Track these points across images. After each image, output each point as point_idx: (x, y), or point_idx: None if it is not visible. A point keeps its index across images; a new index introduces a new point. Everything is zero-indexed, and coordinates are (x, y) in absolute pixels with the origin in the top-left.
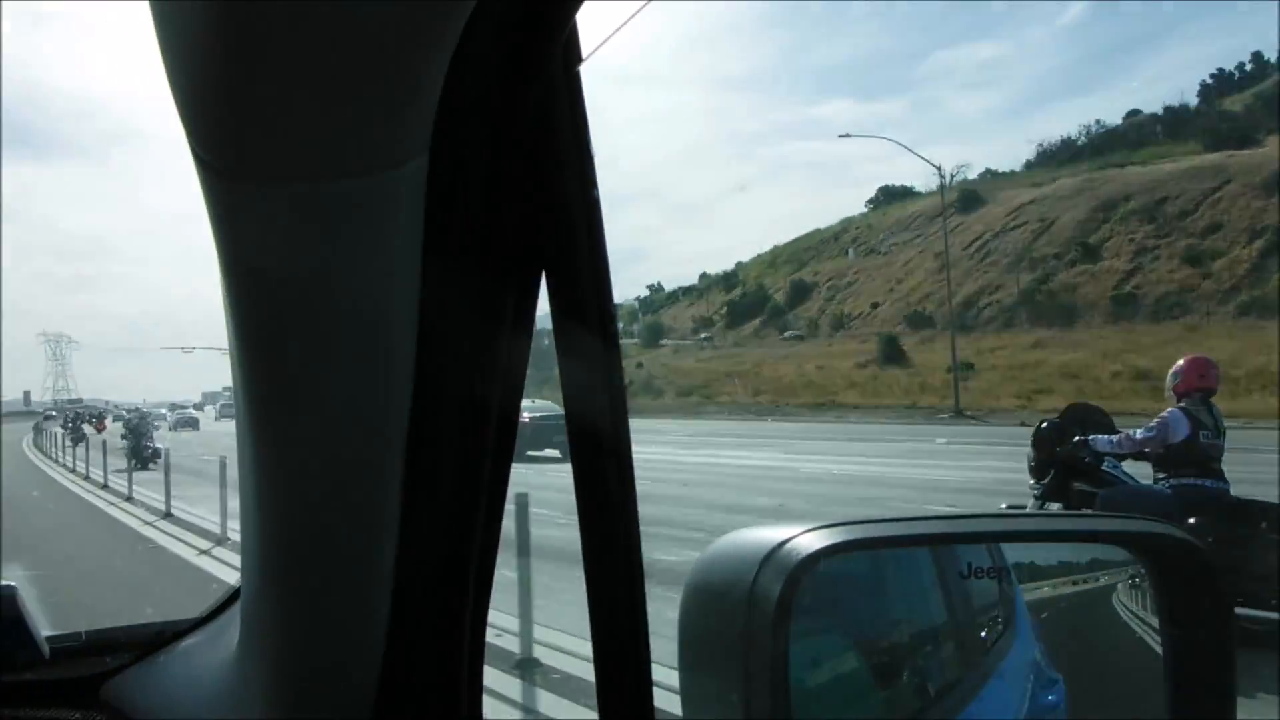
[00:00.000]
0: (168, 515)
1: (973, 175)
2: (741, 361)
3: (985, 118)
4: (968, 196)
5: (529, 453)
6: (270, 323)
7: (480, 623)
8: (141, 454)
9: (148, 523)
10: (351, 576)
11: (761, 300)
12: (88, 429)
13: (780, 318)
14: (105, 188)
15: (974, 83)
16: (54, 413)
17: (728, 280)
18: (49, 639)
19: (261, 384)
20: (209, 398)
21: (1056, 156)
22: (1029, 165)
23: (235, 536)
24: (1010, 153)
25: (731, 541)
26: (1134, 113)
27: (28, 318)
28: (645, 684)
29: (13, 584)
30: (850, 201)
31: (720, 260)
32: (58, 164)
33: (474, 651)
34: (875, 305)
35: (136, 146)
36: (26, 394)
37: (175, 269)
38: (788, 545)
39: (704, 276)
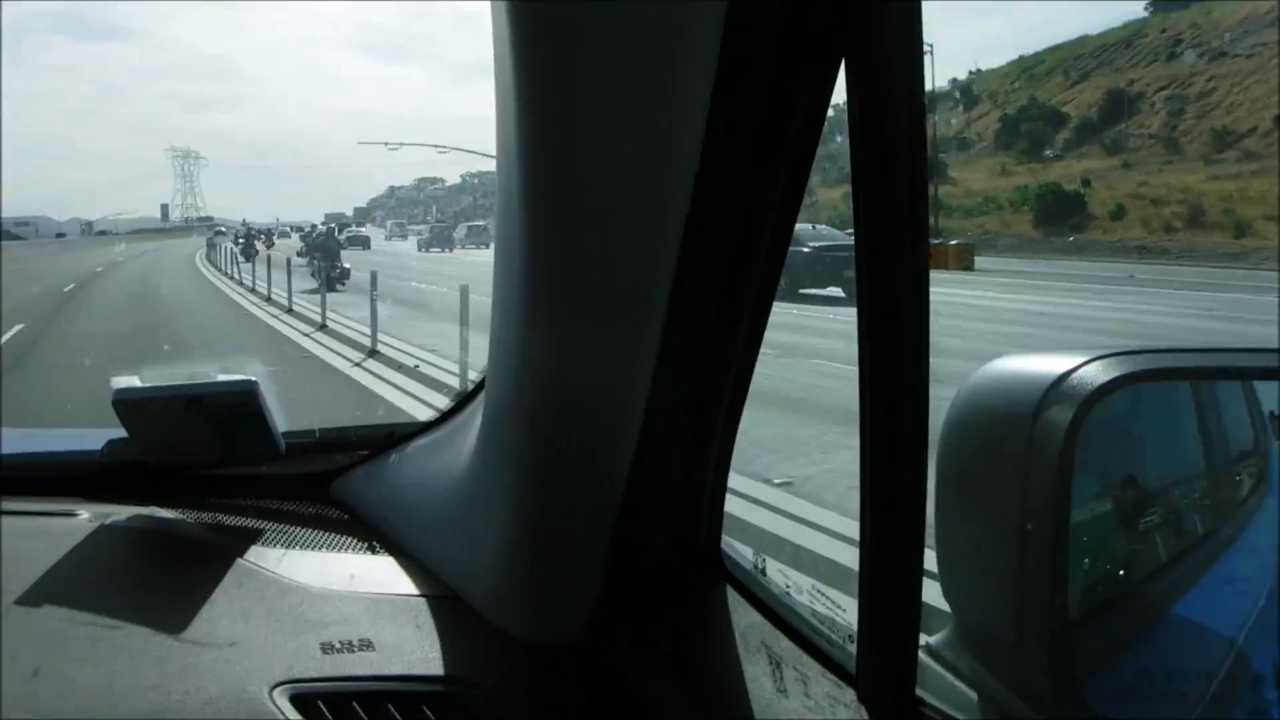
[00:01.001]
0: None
1: None
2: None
3: None
4: None
5: (802, 290)
6: (561, 119)
7: (724, 464)
8: (329, 274)
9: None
10: (606, 400)
11: (1047, 115)
12: (259, 245)
13: (1097, 134)
14: (225, 7)
15: None
16: (223, 229)
17: (966, 95)
18: (285, 435)
19: (543, 189)
20: (331, 219)
21: None
22: None
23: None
24: None
25: (1004, 367)
26: None
27: (155, 136)
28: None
29: (254, 379)
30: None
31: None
32: None
33: (715, 489)
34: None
35: None
36: (164, 208)
37: (295, 89)
38: (1077, 374)
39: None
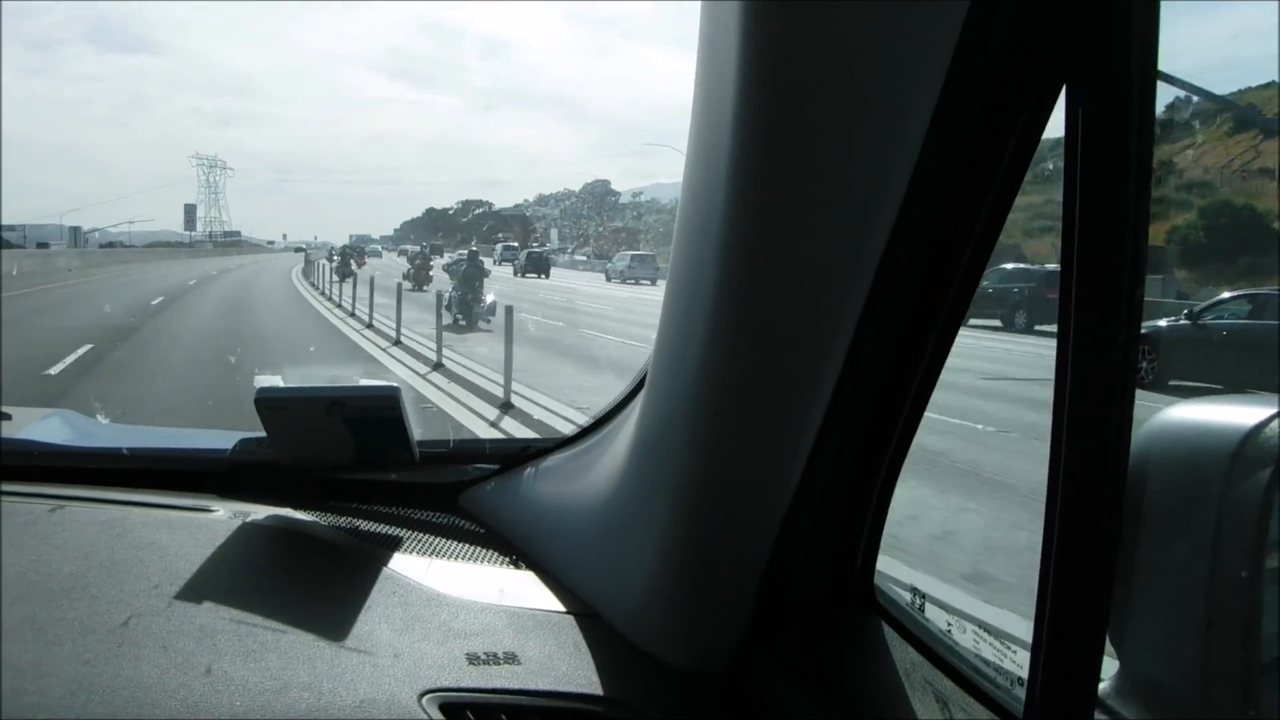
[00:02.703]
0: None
1: None
2: None
3: None
4: None
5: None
6: (781, 127)
7: (886, 498)
8: (470, 309)
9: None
10: (777, 426)
11: None
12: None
13: None
14: (255, 24)
15: None
16: (314, 247)
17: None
18: (419, 444)
19: (750, 200)
20: (355, 240)
21: None
22: None
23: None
24: None
25: (1192, 413)
26: None
27: (178, 150)
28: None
29: (397, 385)
30: None
31: None
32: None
33: (874, 523)
34: None
35: None
36: (189, 210)
37: (320, 109)
38: (1273, 424)
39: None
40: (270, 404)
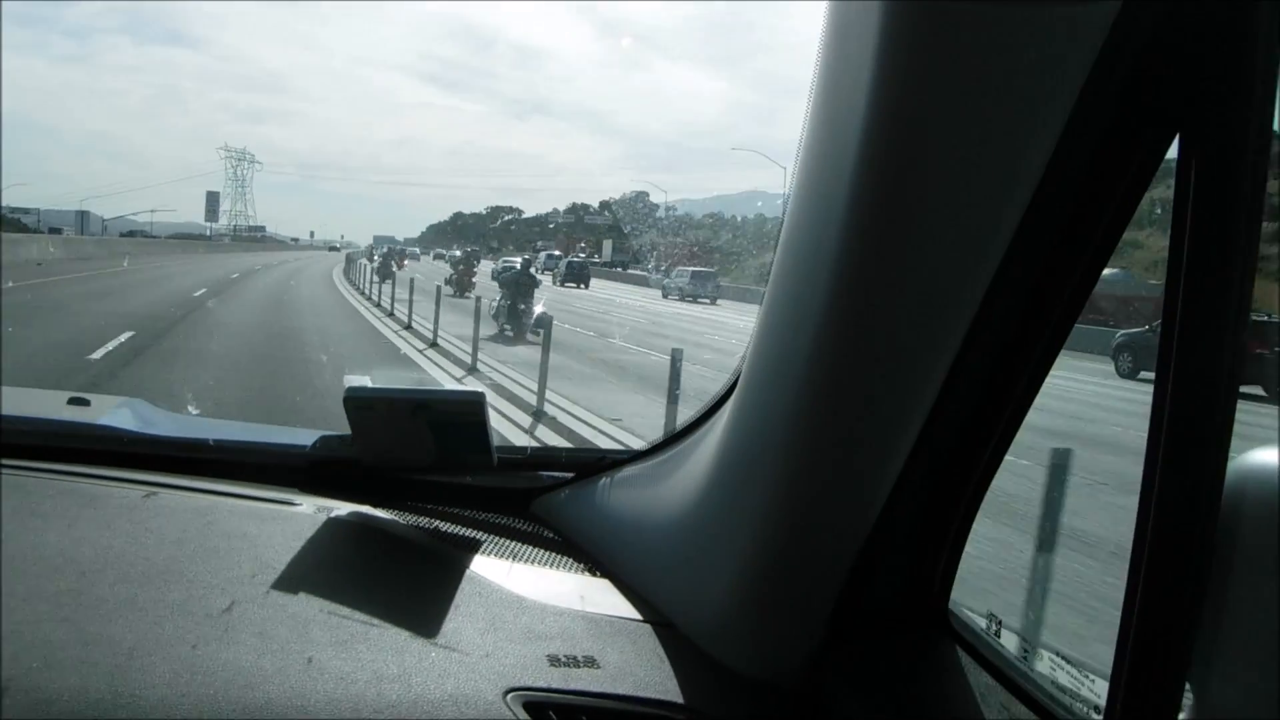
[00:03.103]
0: None
1: None
2: None
3: None
4: None
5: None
6: (907, 144)
7: (967, 523)
8: (519, 320)
9: None
10: (867, 447)
11: None
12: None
13: None
14: (290, 23)
15: None
16: (344, 246)
17: None
18: (497, 449)
19: (875, 208)
20: (379, 242)
21: None
22: None
23: None
24: None
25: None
26: None
27: (207, 143)
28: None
29: (482, 392)
30: None
31: None
32: None
33: (954, 547)
34: None
35: None
36: (211, 199)
37: (349, 109)
38: None
39: None
40: (358, 403)
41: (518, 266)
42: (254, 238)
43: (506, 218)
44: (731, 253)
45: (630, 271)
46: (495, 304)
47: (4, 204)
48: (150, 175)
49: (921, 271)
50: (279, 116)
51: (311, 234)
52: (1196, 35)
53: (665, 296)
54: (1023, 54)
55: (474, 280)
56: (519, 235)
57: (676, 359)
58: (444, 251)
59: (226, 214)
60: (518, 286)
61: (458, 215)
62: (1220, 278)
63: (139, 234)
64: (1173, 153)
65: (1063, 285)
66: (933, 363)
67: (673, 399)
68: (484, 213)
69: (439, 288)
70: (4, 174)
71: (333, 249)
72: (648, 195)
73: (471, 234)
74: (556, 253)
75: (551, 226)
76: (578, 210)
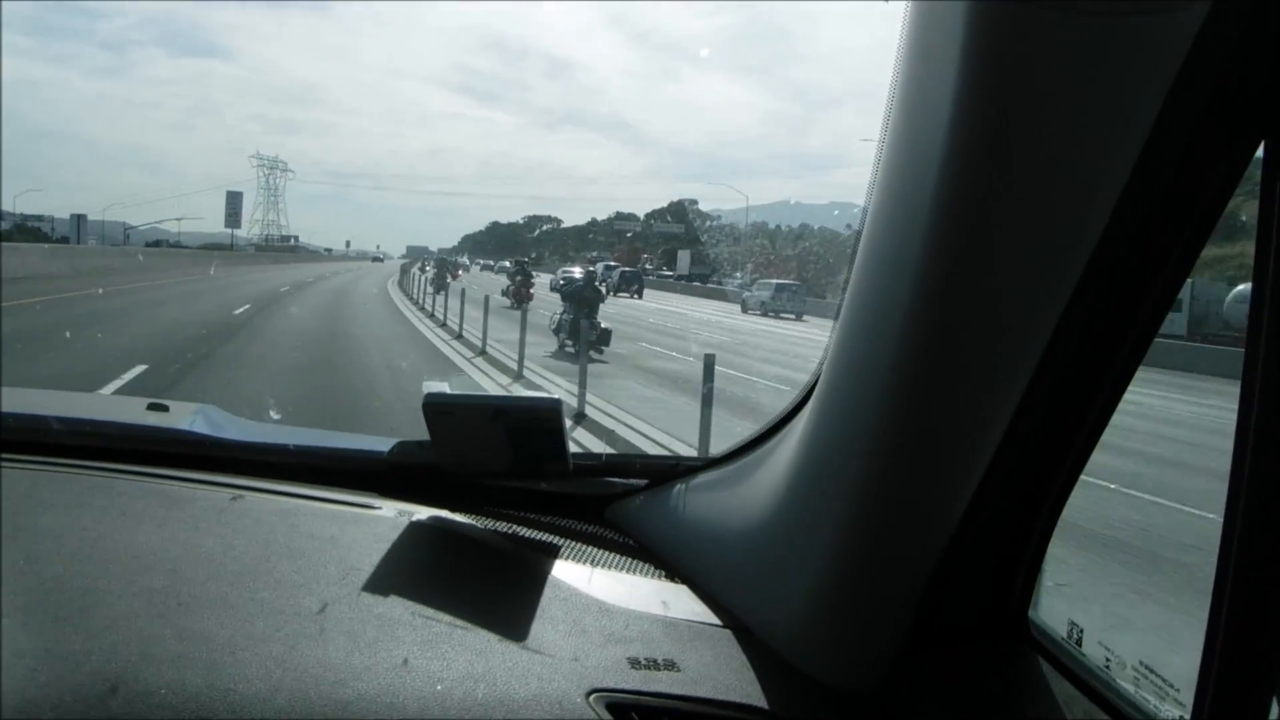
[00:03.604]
0: None
1: None
2: None
3: None
4: None
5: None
6: (992, 151)
7: (1047, 532)
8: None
9: None
10: (949, 458)
11: None
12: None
13: None
14: (323, 34)
15: None
16: (379, 256)
17: None
18: (572, 455)
19: (957, 210)
20: (413, 252)
21: None
22: None
23: None
24: None
25: None
26: None
27: (241, 154)
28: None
29: (559, 398)
30: None
31: None
32: (282, 8)
33: (1034, 556)
34: None
35: None
36: (232, 201)
37: (382, 121)
38: None
39: None
40: (437, 408)
41: (576, 276)
42: (287, 247)
43: (545, 227)
44: (809, 262)
45: (708, 285)
46: (557, 318)
47: (11, 210)
48: (184, 187)
49: (1003, 283)
50: (313, 127)
51: (347, 244)
52: None
53: (745, 311)
54: (1105, 62)
55: (532, 292)
56: (559, 244)
57: (709, 363)
58: (490, 262)
59: (259, 223)
60: (582, 300)
61: (494, 225)
62: None
63: (163, 244)
64: (1258, 163)
65: (1144, 297)
66: (1013, 375)
67: (706, 402)
68: (521, 222)
69: (485, 299)
70: (17, 181)
71: (376, 260)
72: (697, 203)
73: (510, 244)
74: (614, 263)
75: (591, 236)
76: (626, 219)
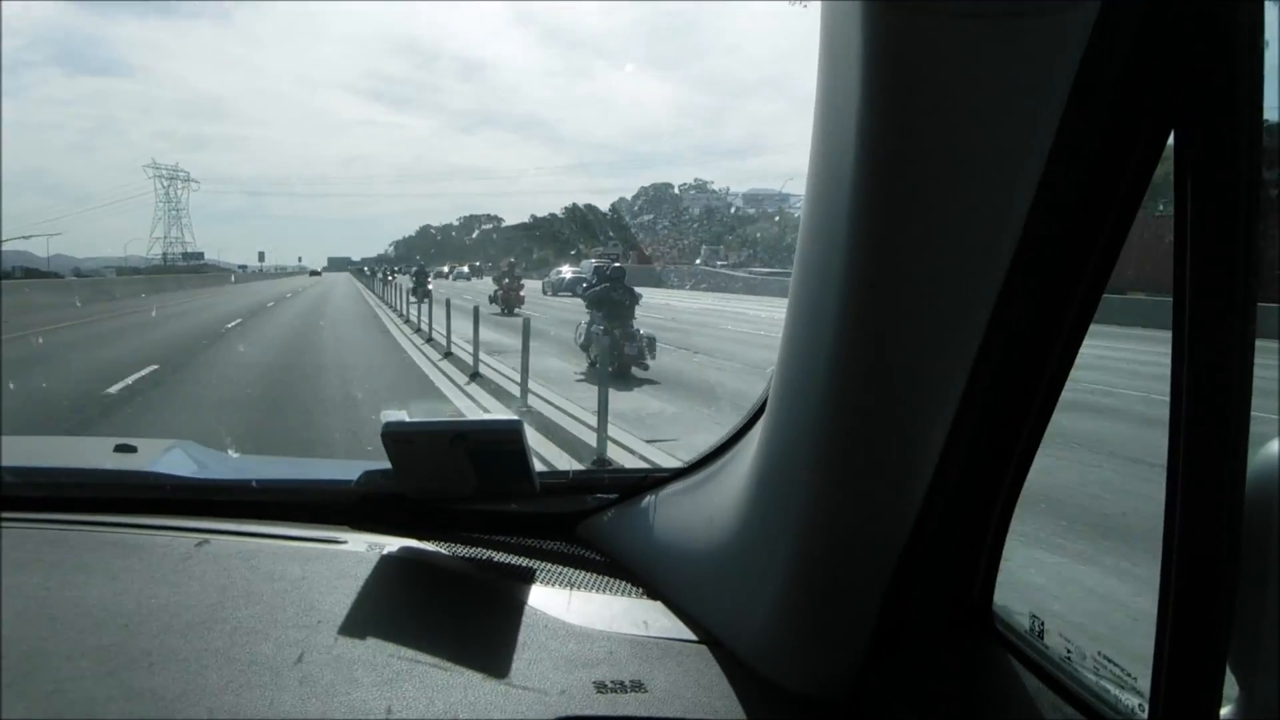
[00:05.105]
0: None
1: None
2: None
3: None
4: None
5: None
6: (904, 152)
7: (1004, 523)
8: (620, 354)
9: None
10: (899, 457)
11: None
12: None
13: None
14: (229, 46)
15: None
16: (367, 269)
17: None
18: (539, 475)
19: (867, 219)
20: (336, 263)
21: None
22: None
23: None
24: None
25: None
26: None
27: (149, 173)
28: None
29: (520, 419)
30: None
31: None
32: (183, 21)
33: (993, 549)
34: None
35: (258, 6)
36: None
37: (294, 131)
38: None
39: None
40: (396, 437)
41: (569, 274)
42: (192, 268)
43: (485, 227)
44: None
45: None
46: (583, 330)
47: None
48: (88, 208)
49: (931, 279)
50: (222, 141)
51: (261, 256)
52: (1180, 29)
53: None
54: (1006, 61)
55: (523, 295)
56: (506, 245)
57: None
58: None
59: (159, 240)
60: (613, 306)
61: (425, 228)
62: (1225, 268)
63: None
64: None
65: (1076, 282)
66: (952, 367)
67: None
68: (456, 224)
69: (476, 308)
70: None
71: (313, 274)
72: (671, 186)
73: (449, 247)
74: (618, 264)
75: (539, 234)
76: (586, 210)
